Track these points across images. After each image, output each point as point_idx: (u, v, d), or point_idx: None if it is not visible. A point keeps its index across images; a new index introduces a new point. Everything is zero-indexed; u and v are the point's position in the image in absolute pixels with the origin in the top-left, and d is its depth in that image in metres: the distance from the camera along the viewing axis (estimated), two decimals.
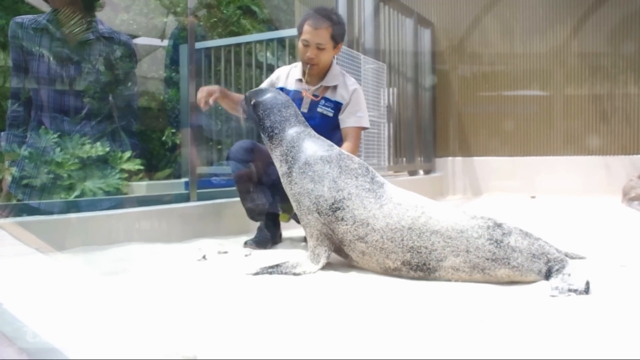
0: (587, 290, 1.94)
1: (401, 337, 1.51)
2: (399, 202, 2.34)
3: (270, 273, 2.38)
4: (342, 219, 2.37)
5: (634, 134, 6.58)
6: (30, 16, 4.01)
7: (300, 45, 3.25)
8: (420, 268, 2.24)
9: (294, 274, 2.36)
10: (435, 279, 2.24)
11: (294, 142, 2.60)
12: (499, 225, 2.21)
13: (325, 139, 2.65)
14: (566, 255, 2.27)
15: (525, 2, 7.08)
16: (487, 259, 2.15)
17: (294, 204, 2.59)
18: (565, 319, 1.66)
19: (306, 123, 2.75)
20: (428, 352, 1.40)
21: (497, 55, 7.24)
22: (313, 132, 2.68)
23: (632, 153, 6.48)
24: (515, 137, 7.09)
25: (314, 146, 2.56)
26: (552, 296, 1.93)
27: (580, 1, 6.75)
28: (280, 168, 2.64)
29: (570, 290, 1.95)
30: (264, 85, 3.43)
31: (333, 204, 2.39)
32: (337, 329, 1.59)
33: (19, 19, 3.96)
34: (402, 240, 2.25)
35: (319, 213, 2.42)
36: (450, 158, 7.41)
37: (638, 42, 6.55)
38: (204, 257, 2.77)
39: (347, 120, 3.25)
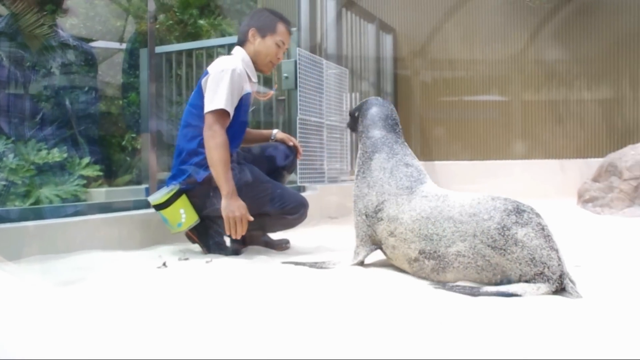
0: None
1: (356, 338, 1.52)
2: (425, 195, 2.43)
3: (311, 267, 2.67)
4: (381, 219, 2.53)
5: (588, 137, 6.75)
6: None
7: (271, 44, 3.20)
8: (432, 256, 2.29)
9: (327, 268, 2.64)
10: (445, 268, 2.25)
11: (369, 149, 2.72)
12: (519, 213, 2.12)
13: (406, 145, 2.75)
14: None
15: (485, 10, 7.20)
16: (489, 246, 2.11)
17: (353, 204, 2.74)
18: (523, 320, 1.68)
19: (396, 130, 2.79)
20: (387, 354, 1.41)
21: (457, 62, 7.35)
22: (396, 141, 2.74)
23: (587, 156, 6.64)
24: (476, 141, 7.20)
25: (382, 155, 2.66)
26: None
27: (537, 10, 6.89)
28: (356, 169, 2.79)
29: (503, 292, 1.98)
30: (234, 94, 3.03)
31: (377, 206, 2.55)
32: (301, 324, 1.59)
33: None
34: (420, 229, 2.33)
35: (366, 216, 2.61)
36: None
37: (592, 50, 6.72)
38: (164, 264, 2.74)
39: None
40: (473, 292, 2.04)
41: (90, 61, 4.48)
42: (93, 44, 4.80)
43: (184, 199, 3.02)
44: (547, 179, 6.64)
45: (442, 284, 2.16)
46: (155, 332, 1.63)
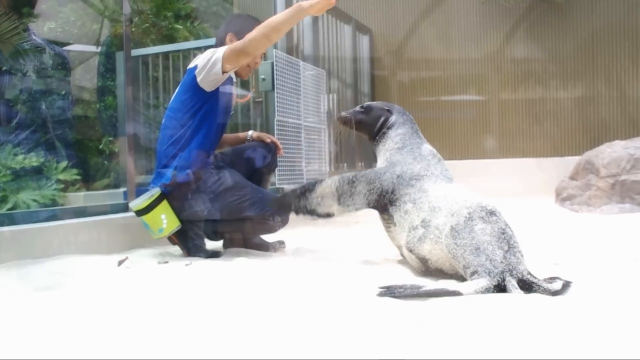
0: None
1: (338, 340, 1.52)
2: (455, 187, 2.62)
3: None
4: (412, 185, 2.64)
5: (564, 136, 6.83)
6: None
7: None
8: (425, 225, 2.44)
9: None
10: (424, 238, 2.41)
11: (418, 138, 2.93)
12: (490, 213, 2.28)
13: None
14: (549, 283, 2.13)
15: (461, 10, 7.26)
16: (452, 226, 2.28)
17: (386, 165, 2.81)
18: (503, 318, 1.70)
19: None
20: (369, 354, 1.41)
21: (434, 61, 7.39)
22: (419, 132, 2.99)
23: (564, 154, 6.71)
24: (453, 141, 7.25)
25: (430, 147, 2.90)
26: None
27: (512, 9, 6.96)
28: (395, 146, 2.88)
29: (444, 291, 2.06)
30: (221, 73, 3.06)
31: (415, 175, 2.67)
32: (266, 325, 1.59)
33: None
34: (435, 202, 2.48)
35: (398, 176, 2.69)
36: None
37: (567, 48, 6.80)
38: (123, 259, 2.80)
39: None
40: (413, 293, 2.06)
41: (65, 65, 4.43)
42: (69, 48, 4.75)
43: (165, 205, 3.01)
44: (524, 178, 6.69)
45: (386, 288, 2.15)
46: (135, 336, 1.62)
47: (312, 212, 2.80)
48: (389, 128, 2.93)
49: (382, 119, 2.97)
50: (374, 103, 3.06)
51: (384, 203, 2.72)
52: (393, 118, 2.94)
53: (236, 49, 2.97)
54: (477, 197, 2.41)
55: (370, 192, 2.74)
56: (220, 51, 3.01)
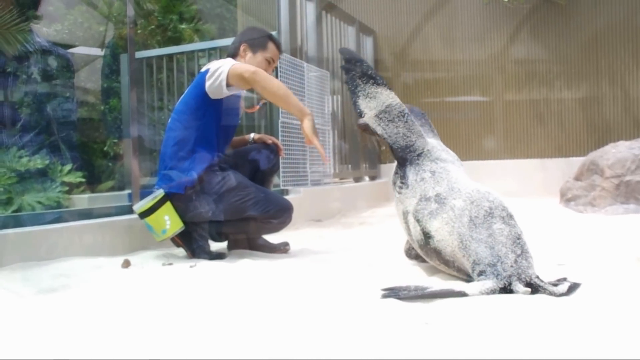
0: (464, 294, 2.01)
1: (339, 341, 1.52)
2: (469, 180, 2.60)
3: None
4: (436, 163, 2.60)
5: (568, 136, 6.82)
6: None
7: (261, 60, 3.30)
8: (438, 200, 2.41)
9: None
10: (436, 215, 2.35)
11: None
12: (510, 216, 2.26)
13: None
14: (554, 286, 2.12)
15: (464, 11, 7.25)
16: (470, 216, 2.25)
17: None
18: (509, 319, 1.70)
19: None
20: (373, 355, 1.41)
21: (438, 63, 7.38)
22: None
23: (568, 155, 6.70)
24: (457, 142, 7.23)
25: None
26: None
27: (515, 10, 6.95)
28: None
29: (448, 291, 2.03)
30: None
31: (443, 158, 2.63)
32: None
33: None
34: (454, 182, 2.46)
35: (423, 149, 2.65)
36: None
37: (571, 49, 6.79)
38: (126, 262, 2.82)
39: None
40: (418, 294, 2.04)
41: (69, 67, 4.44)
42: (73, 50, 4.76)
43: (168, 206, 3.02)
44: (528, 179, 6.69)
45: (390, 290, 2.12)
46: (141, 338, 1.62)
47: (355, 90, 2.69)
48: None
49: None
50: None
51: (404, 157, 2.68)
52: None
53: (239, 71, 3.01)
54: (499, 195, 2.39)
55: (402, 137, 2.66)
56: (228, 65, 3.04)
